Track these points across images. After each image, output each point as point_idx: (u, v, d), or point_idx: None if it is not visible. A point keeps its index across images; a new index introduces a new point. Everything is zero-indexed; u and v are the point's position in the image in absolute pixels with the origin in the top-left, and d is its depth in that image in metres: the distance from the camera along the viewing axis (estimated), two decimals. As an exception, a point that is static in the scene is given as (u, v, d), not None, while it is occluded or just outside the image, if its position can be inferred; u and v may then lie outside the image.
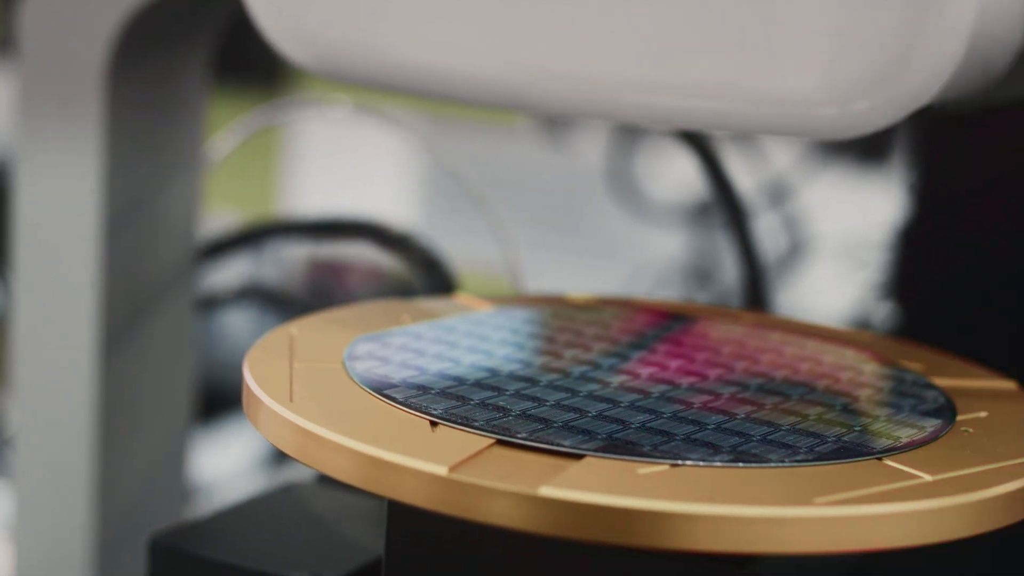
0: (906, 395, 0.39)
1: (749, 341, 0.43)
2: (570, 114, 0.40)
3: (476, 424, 0.34)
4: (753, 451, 0.34)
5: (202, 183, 0.52)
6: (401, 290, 0.67)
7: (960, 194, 0.58)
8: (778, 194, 1.00)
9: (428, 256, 0.57)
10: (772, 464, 0.33)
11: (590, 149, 1.21)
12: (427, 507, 0.32)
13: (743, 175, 0.93)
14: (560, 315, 0.45)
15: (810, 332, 0.45)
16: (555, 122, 1.19)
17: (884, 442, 0.35)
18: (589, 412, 0.36)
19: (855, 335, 0.46)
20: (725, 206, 0.57)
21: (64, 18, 0.47)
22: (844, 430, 0.36)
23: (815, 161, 1.04)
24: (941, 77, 0.36)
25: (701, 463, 0.33)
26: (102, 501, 0.49)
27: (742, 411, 0.37)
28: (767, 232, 0.97)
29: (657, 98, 0.38)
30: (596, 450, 0.33)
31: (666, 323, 0.45)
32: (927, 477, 0.33)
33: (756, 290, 0.57)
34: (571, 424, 0.35)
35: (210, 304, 0.70)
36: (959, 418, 0.37)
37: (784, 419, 0.36)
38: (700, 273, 1.07)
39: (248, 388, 0.37)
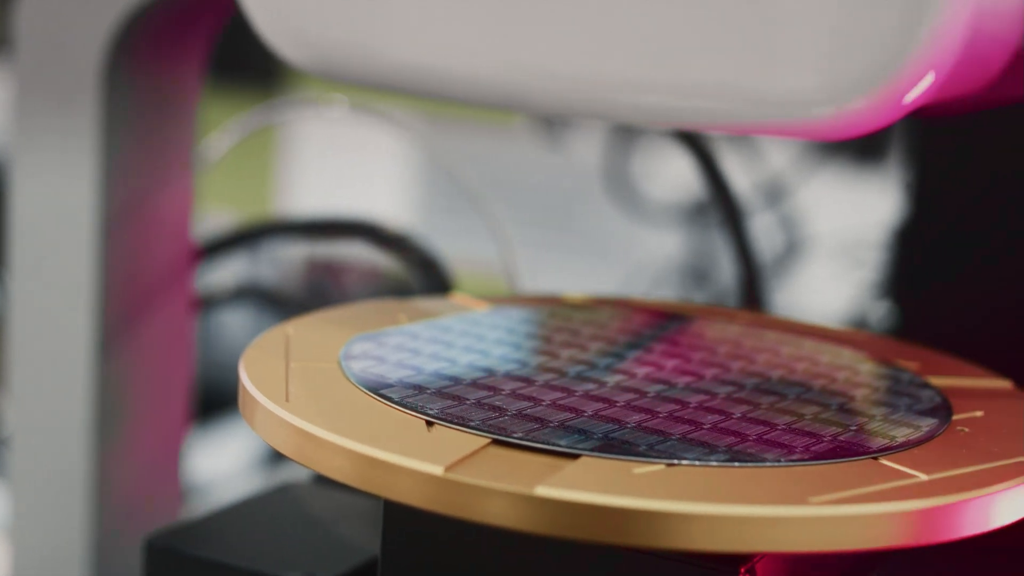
0: (902, 394, 0.39)
1: (745, 341, 0.43)
2: (567, 114, 0.40)
3: (472, 424, 0.34)
4: (749, 450, 0.34)
5: (198, 183, 0.52)
6: (398, 290, 0.67)
7: (956, 193, 0.58)
8: (775, 194, 1.00)
9: (424, 256, 0.57)
10: (768, 463, 0.33)
11: (587, 149, 1.21)
12: (423, 507, 0.32)
13: (740, 175, 0.93)
14: (556, 315, 0.45)
15: (806, 332, 0.45)
16: (552, 122, 1.19)
17: (880, 441, 0.35)
18: (585, 412, 0.36)
19: (851, 334, 0.46)
20: (721, 206, 0.57)
21: (60, 17, 0.47)
22: (840, 429, 0.36)
23: (811, 161, 1.04)
24: (938, 77, 0.36)
25: (697, 463, 0.33)
26: (99, 501, 0.49)
27: (738, 410, 0.37)
28: (764, 232, 0.97)
29: (654, 98, 0.38)
30: (592, 450, 0.33)
31: (662, 323, 0.45)
32: (923, 476, 0.33)
33: (752, 290, 0.57)
34: (567, 424, 0.35)
35: (206, 304, 0.70)
36: (955, 417, 0.38)
37: (780, 418, 0.36)
38: (697, 273, 1.07)
39: (244, 388, 0.37)
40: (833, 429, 0.36)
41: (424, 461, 0.32)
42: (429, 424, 0.35)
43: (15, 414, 0.50)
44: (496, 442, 0.34)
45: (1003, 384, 0.41)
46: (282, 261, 1.17)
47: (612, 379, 0.39)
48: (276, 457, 0.82)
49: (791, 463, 0.34)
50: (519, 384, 0.38)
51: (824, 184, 1.06)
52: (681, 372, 0.40)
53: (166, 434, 0.52)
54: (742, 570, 0.33)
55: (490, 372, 0.39)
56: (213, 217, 1.00)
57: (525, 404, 0.36)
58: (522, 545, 0.34)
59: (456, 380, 0.38)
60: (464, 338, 0.42)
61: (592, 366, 0.40)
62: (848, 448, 0.35)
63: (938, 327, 0.58)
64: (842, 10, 0.35)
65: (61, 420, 0.48)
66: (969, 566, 0.41)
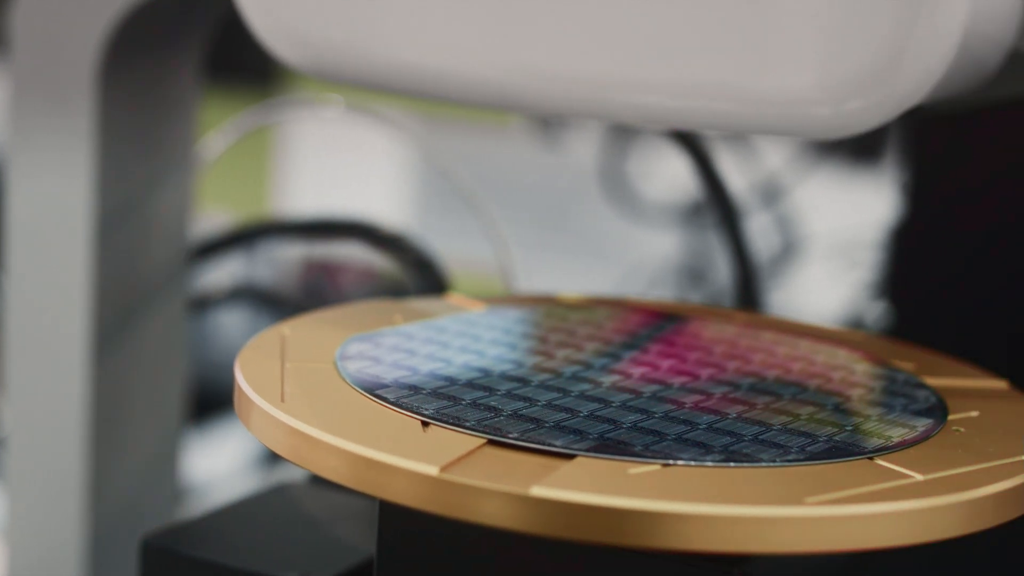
0: (898, 395, 0.39)
1: (741, 341, 0.43)
2: (563, 114, 0.40)
3: (467, 424, 0.34)
4: (744, 451, 0.34)
5: (194, 183, 0.52)
6: (394, 290, 0.67)
7: (952, 193, 0.58)
8: (771, 194, 1.00)
9: (420, 256, 0.57)
10: (763, 464, 0.33)
11: (583, 149, 1.21)
12: (418, 507, 0.32)
13: (736, 175, 0.93)
14: (552, 315, 0.45)
15: (802, 332, 0.45)
16: (548, 122, 1.19)
17: (875, 442, 0.35)
18: (580, 412, 0.36)
19: (847, 334, 0.46)
20: (717, 206, 0.57)
21: (56, 17, 0.47)
22: (835, 430, 0.36)
23: (808, 161, 1.04)
24: (933, 76, 0.36)
25: (692, 463, 0.33)
26: (95, 502, 0.49)
27: (734, 411, 0.37)
28: (760, 232, 0.97)
29: (650, 98, 0.38)
30: (587, 450, 0.33)
31: (658, 323, 0.45)
32: (918, 477, 0.33)
33: (748, 290, 0.57)
34: (562, 424, 0.35)
35: (202, 304, 0.70)
36: (951, 417, 0.38)
37: (775, 419, 0.36)
38: (693, 273, 1.07)
39: (239, 388, 0.37)
40: (829, 429, 0.36)
41: (419, 461, 0.32)
42: (424, 424, 0.35)
43: (11, 414, 0.50)
44: (492, 442, 0.34)
45: (999, 384, 0.41)
46: (278, 261, 1.17)
47: (608, 379, 0.39)
48: (273, 458, 0.82)
49: (787, 463, 0.34)
50: (515, 384, 0.38)
51: (820, 184, 1.06)
52: (677, 372, 0.40)
53: (162, 434, 0.52)
54: (737, 570, 0.33)
55: (486, 372, 0.39)
56: (209, 217, 1.00)
57: (521, 404, 0.36)
58: (518, 545, 0.34)
59: (452, 380, 0.38)
60: (460, 338, 0.42)
61: (588, 366, 0.40)
62: (844, 448, 0.35)
63: (934, 327, 0.58)
64: (838, 10, 0.35)
65: (57, 420, 0.48)
66: (964, 566, 0.42)
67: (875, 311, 0.62)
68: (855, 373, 0.41)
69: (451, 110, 1.17)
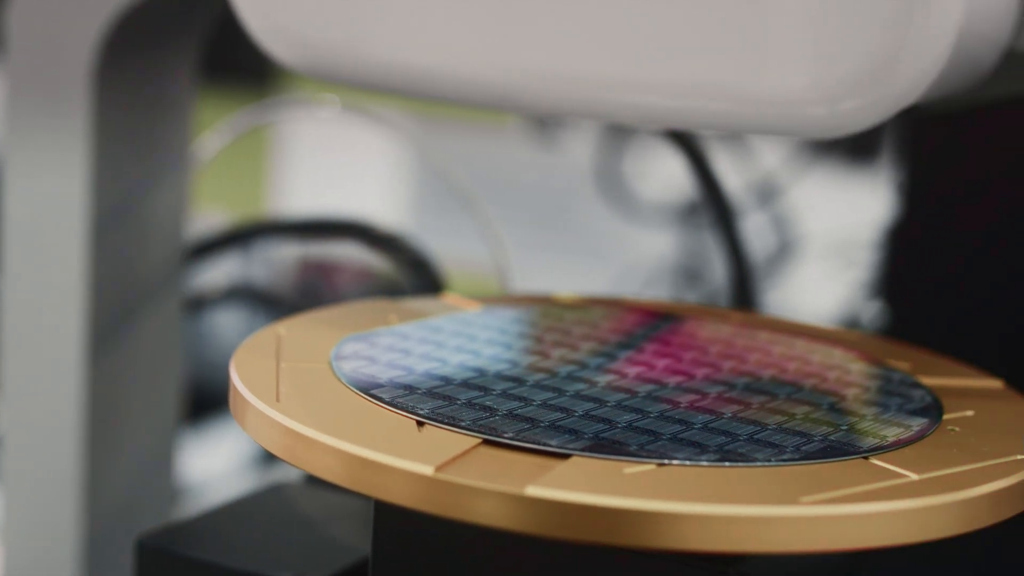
0: (893, 394, 0.39)
1: (736, 340, 0.43)
2: (559, 114, 0.40)
3: (463, 424, 0.34)
4: (740, 450, 0.34)
5: (190, 183, 0.52)
6: (390, 290, 0.67)
7: (948, 193, 0.58)
8: (767, 193, 1.00)
9: (416, 256, 0.57)
10: (758, 463, 0.33)
11: (580, 148, 1.21)
12: (413, 507, 0.32)
13: (732, 174, 0.93)
14: (548, 315, 0.45)
15: (797, 331, 0.45)
16: (545, 122, 1.19)
17: (870, 441, 0.35)
18: (576, 412, 0.36)
19: (843, 334, 0.46)
20: (712, 205, 0.57)
21: (52, 17, 0.47)
22: (831, 429, 0.36)
23: (803, 160, 1.04)
24: (928, 76, 0.36)
25: (688, 462, 0.33)
26: (91, 502, 0.49)
27: (729, 410, 0.37)
28: (756, 231, 0.97)
29: (646, 98, 0.38)
30: (583, 450, 0.33)
31: (654, 323, 0.45)
32: (913, 476, 0.33)
33: (744, 289, 0.57)
34: (558, 424, 0.35)
35: (198, 304, 0.70)
36: (946, 417, 0.38)
37: (771, 418, 0.36)
38: (689, 273, 1.07)
39: (235, 388, 0.37)
40: (824, 429, 0.36)
41: (414, 461, 0.32)
42: (420, 424, 0.35)
43: (8, 414, 0.50)
44: (487, 442, 0.34)
45: (994, 384, 0.41)
46: (275, 261, 1.17)
47: (603, 379, 0.39)
48: (269, 457, 0.82)
49: (781, 463, 0.34)
50: (510, 384, 0.38)
51: (816, 184, 1.06)
52: (672, 372, 0.40)
53: (158, 434, 0.52)
54: (733, 570, 0.33)
55: (481, 372, 0.39)
56: (206, 217, 1.00)
57: (516, 404, 0.36)
58: (513, 545, 0.34)
59: (447, 380, 0.38)
60: (455, 338, 0.42)
61: (583, 366, 0.40)
62: (839, 448, 0.35)
63: (929, 326, 0.58)
64: (833, 9, 0.35)
65: (53, 420, 0.48)
66: (959, 565, 0.42)
67: (871, 310, 0.62)
68: (850, 373, 0.41)
69: (447, 110, 1.17)
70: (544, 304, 0.47)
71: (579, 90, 0.39)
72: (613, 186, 1.08)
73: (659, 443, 0.34)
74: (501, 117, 1.26)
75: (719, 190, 0.57)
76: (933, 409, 0.38)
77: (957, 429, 0.37)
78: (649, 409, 0.37)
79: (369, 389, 0.37)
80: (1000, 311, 0.56)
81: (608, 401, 0.37)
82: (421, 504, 0.32)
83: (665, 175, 1.05)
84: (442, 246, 0.69)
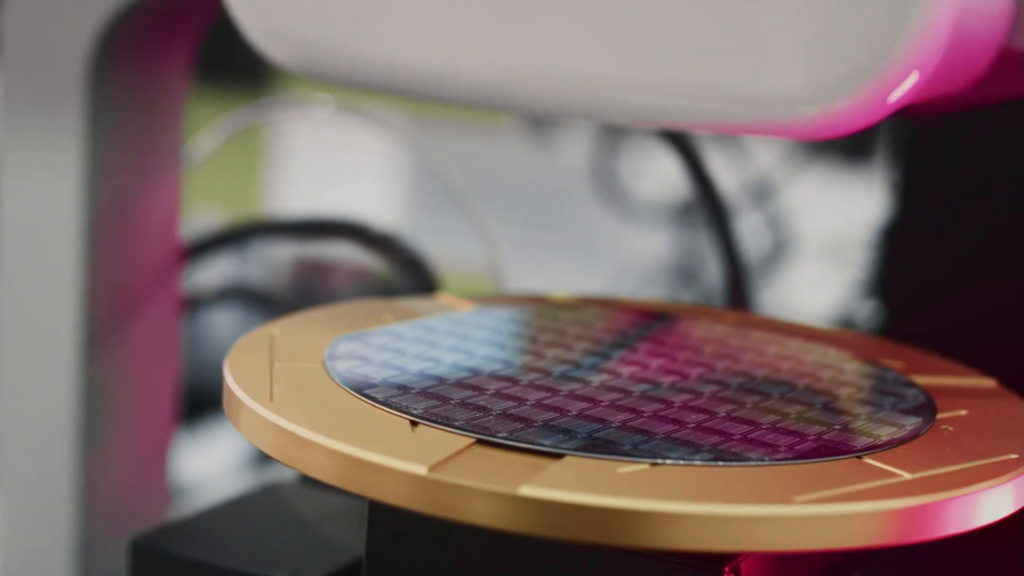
0: (887, 393, 0.39)
1: (730, 340, 0.44)
2: (554, 114, 0.40)
3: (456, 424, 0.34)
4: (733, 450, 0.34)
5: (184, 183, 0.52)
6: (386, 290, 0.66)
7: (943, 192, 0.58)
8: (762, 193, 1.00)
9: (411, 256, 0.57)
10: (752, 463, 0.33)
11: (575, 148, 1.21)
12: (407, 507, 0.32)
13: (727, 174, 0.93)
14: (542, 315, 0.45)
15: (792, 331, 0.45)
16: (540, 121, 1.19)
17: (864, 440, 0.35)
18: (569, 411, 0.36)
19: (837, 333, 0.46)
20: (707, 205, 0.57)
21: (47, 18, 0.47)
22: (824, 428, 0.36)
23: (798, 160, 1.04)
24: (923, 76, 0.36)
25: (681, 462, 0.33)
26: (85, 502, 0.49)
27: (722, 410, 0.37)
28: (751, 231, 0.97)
29: (640, 98, 0.38)
30: (576, 449, 0.33)
31: (648, 322, 0.45)
32: (907, 475, 0.33)
33: (739, 289, 0.57)
34: (551, 423, 0.35)
35: (193, 304, 0.70)
36: (939, 416, 0.38)
37: (764, 418, 0.36)
38: (685, 272, 1.07)
39: (228, 389, 0.37)
40: (817, 428, 0.36)
41: (408, 461, 0.32)
42: (413, 424, 0.35)
43: (2, 414, 0.50)
44: (480, 442, 0.34)
45: (988, 383, 0.41)
46: (270, 261, 1.17)
47: (597, 379, 0.39)
48: (264, 458, 0.82)
49: (775, 462, 0.34)
50: (504, 384, 0.38)
51: (811, 183, 1.06)
52: (666, 372, 0.40)
53: (153, 434, 0.52)
54: (726, 569, 0.33)
55: (475, 372, 0.39)
56: (200, 217, 1.00)
57: (509, 404, 0.36)
58: (507, 545, 0.34)
59: (441, 380, 0.38)
60: (449, 338, 0.42)
61: (577, 366, 0.40)
62: (832, 447, 0.35)
63: (925, 326, 0.58)
64: (826, 9, 0.35)
65: (48, 420, 0.48)
66: (952, 564, 0.42)
67: (866, 310, 0.62)
68: (844, 372, 0.41)
69: (442, 110, 1.17)
70: (538, 304, 0.47)
71: (574, 90, 0.39)
72: (608, 186, 1.08)
73: (653, 443, 0.34)
74: (496, 117, 1.27)
75: (713, 190, 0.57)
76: (926, 408, 0.38)
77: (951, 428, 0.37)
78: (643, 409, 0.37)
79: (363, 389, 0.37)
80: (995, 310, 0.56)
81: (602, 401, 0.37)
82: (414, 504, 0.32)
83: (660, 175, 1.05)
84: (437, 246, 0.69)
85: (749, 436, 0.35)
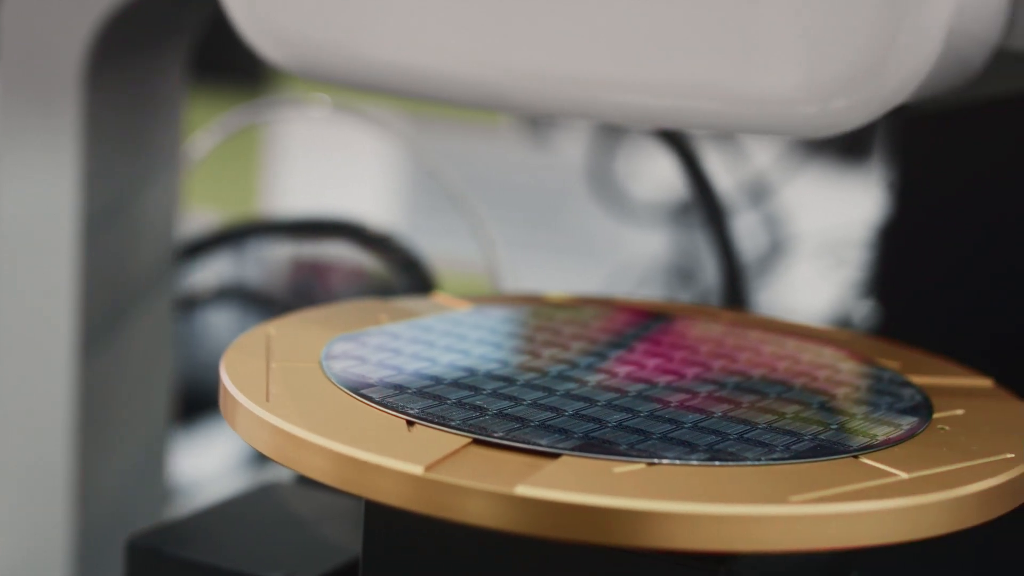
0: (883, 393, 0.39)
1: (727, 340, 0.43)
2: (551, 113, 0.40)
3: (452, 423, 0.34)
4: (729, 449, 0.34)
5: (181, 183, 0.52)
6: (383, 290, 0.66)
7: (939, 191, 0.58)
8: (758, 193, 1.00)
9: (407, 256, 0.57)
10: (748, 462, 0.33)
11: (572, 148, 1.21)
12: (404, 507, 0.32)
13: (724, 174, 0.93)
14: (538, 314, 0.45)
15: (788, 331, 0.45)
16: (537, 121, 1.19)
17: (860, 440, 0.35)
18: (566, 411, 0.36)
19: (834, 333, 0.46)
20: (704, 205, 0.57)
21: (43, 17, 0.47)
22: (821, 428, 0.36)
23: (795, 159, 1.04)
24: (918, 75, 0.36)
25: (677, 462, 0.33)
26: (82, 502, 0.49)
27: (719, 409, 0.37)
28: (748, 231, 0.97)
29: (637, 98, 0.38)
30: (572, 449, 0.33)
31: (644, 322, 0.45)
32: (903, 475, 0.33)
33: (735, 289, 0.57)
34: (548, 423, 0.35)
35: (190, 304, 0.70)
36: (936, 416, 0.38)
37: (761, 417, 0.36)
38: (682, 272, 1.07)
39: (224, 389, 0.37)
40: (814, 428, 0.36)
41: (404, 461, 0.32)
42: (410, 424, 0.35)
43: (-3, 415, 0.50)
44: (477, 441, 0.34)
45: (984, 382, 0.41)
46: (268, 261, 1.17)
47: (593, 378, 0.39)
48: (261, 457, 0.82)
49: (771, 462, 0.34)
50: (500, 384, 0.38)
51: (808, 183, 1.06)
52: (662, 371, 0.40)
53: (149, 435, 0.52)
54: (722, 569, 0.33)
55: (471, 372, 0.39)
56: (197, 217, 1.00)
57: (506, 403, 0.36)
58: (503, 544, 0.34)
59: (437, 380, 0.38)
60: (445, 338, 0.41)
61: (574, 365, 0.40)
62: (828, 447, 0.35)
63: (921, 325, 0.58)
64: (823, 9, 0.35)
65: (45, 421, 0.48)
66: (948, 564, 0.42)
67: (862, 309, 0.62)
68: (841, 372, 0.41)
69: (440, 110, 1.17)
70: (535, 304, 0.47)
71: (571, 90, 0.39)
72: (605, 186, 1.08)
73: (649, 442, 0.34)
74: (493, 117, 1.27)
75: (710, 190, 0.57)
76: (923, 408, 0.38)
77: (947, 428, 0.37)
78: (639, 408, 0.37)
79: (359, 389, 0.36)
80: (992, 310, 0.56)
81: (598, 400, 0.37)
82: (411, 504, 0.32)
83: (657, 175, 1.05)
84: (434, 246, 0.69)
85: (745, 436, 0.35)
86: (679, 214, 1.05)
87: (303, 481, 0.44)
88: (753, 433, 0.35)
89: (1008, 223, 0.56)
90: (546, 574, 0.34)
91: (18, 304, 0.49)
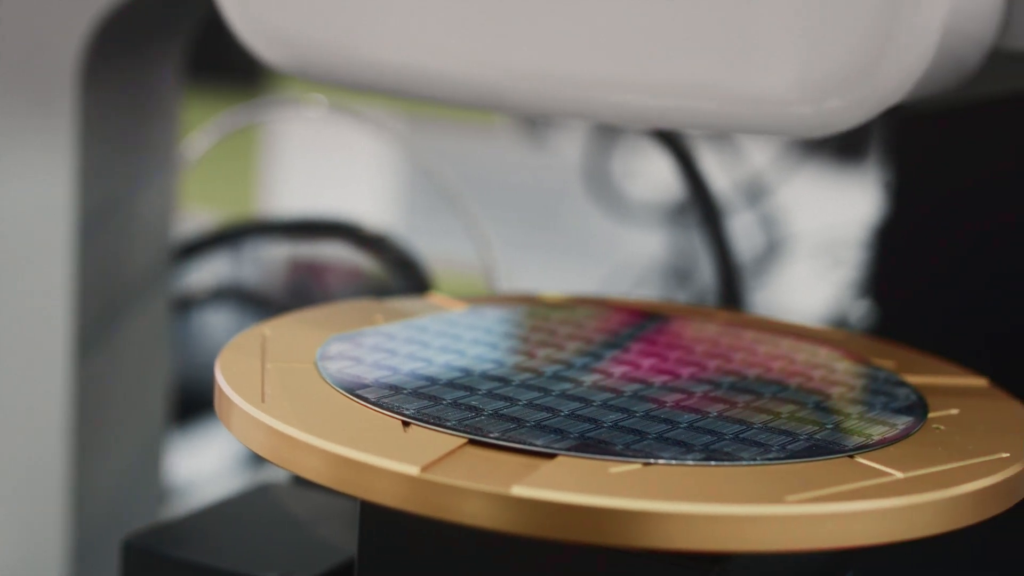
0: (878, 393, 0.39)
1: (722, 339, 0.44)
2: (547, 114, 0.40)
3: (448, 424, 0.34)
4: (725, 449, 0.34)
5: (177, 183, 0.52)
6: (380, 290, 0.66)
7: (936, 191, 0.58)
8: (755, 193, 1.00)
9: (403, 256, 0.57)
10: (744, 462, 0.33)
11: (569, 148, 1.21)
12: (400, 507, 0.32)
13: (720, 174, 0.93)
14: (533, 315, 0.45)
15: (783, 330, 0.45)
16: (534, 121, 1.19)
17: (856, 440, 0.35)
18: (561, 411, 0.36)
19: (828, 333, 0.46)
20: (699, 205, 0.57)
21: (37, 17, 0.47)
22: (816, 428, 0.36)
23: (792, 159, 1.05)
24: (914, 75, 0.36)
25: (673, 462, 0.33)
26: (78, 502, 0.49)
27: (714, 409, 0.37)
28: (744, 231, 0.97)
29: (633, 98, 0.38)
30: (568, 449, 0.33)
31: (640, 322, 0.45)
32: (899, 475, 0.33)
33: (731, 289, 0.57)
34: (543, 423, 0.35)
35: (186, 304, 0.70)
36: (931, 415, 0.38)
37: (756, 417, 0.36)
38: (679, 272, 1.07)
39: (220, 389, 0.37)
40: (809, 427, 0.36)
41: (400, 461, 0.32)
42: (405, 424, 0.35)
43: (-7, 416, 0.50)
44: (472, 442, 0.34)
45: (979, 382, 0.41)
46: (265, 261, 1.17)
47: (589, 379, 0.39)
48: (257, 458, 0.82)
49: (767, 462, 0.34)
50: (496, 384, 0.38)
51: (804, 183, 1.06)
52: (658, 371, 0.40)
53: (145, 435, 0.52)
54: (718, 569, 0.33)
55: (467, 372, 0.39)
56: (194, 217, 1.00)
57: (501, 404, 0.36)
58: (498, 545, 0.34)
59: (432, 380, 0.38)
60: (440, 338, 0.41)
61: (569, 366, 0.40)
62: (824, 447, 0.35)
63: (918, 325, 0.58)
64: (818, 8, 0.35)
65: (40, 421, 0.48)
66: (943, 563, 0.42)
67: (859, 309, 0.62)
68: (836, 371, 0.41)
69: (436, 110, 1.17)
70: (530, 304, 0.47)
71: (567, 90, 0.39)
72: (602, 186, 1.08)
73: (645, 442, 0.34)
74: (490, 117, 1.26)
75: (706, 189, 0.57)
76: (918, 407, 0.38)
77: (942, 427, 0.37)
78: (635, 408, 0.37)
79: (355, 389, 0.36)
80: (988, 309, 0.56)
81: (594, 401, 0.37)
82: (407, 504, 0.32)
83: (655, 175, 1.05)
84: (431, 246, 0.69)
85: (741, 436, 0.35)
86: (676, 214, 1.05)
87: (299, 481, 0.44)
88: (749, 433, 0.35)
89: (1004, 223, 0.56)
90: (541, 574, 0.34)
91: (14, 304, 0.48)
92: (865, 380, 0.41)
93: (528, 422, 0.35)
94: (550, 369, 0.39)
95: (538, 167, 1.28)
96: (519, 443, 0.34)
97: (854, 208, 0.72)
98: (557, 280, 1.22)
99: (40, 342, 0.48)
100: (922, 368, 0.42)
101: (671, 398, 0.38)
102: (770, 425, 0.36)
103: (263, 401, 0.35)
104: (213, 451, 0.86)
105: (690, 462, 0.33)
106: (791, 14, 0.36)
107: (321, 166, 1.35)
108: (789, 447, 0.34)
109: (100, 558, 0.50)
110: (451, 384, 0.37)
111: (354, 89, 0.42)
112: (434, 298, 0.46)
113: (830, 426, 0.36)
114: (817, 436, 0.35)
